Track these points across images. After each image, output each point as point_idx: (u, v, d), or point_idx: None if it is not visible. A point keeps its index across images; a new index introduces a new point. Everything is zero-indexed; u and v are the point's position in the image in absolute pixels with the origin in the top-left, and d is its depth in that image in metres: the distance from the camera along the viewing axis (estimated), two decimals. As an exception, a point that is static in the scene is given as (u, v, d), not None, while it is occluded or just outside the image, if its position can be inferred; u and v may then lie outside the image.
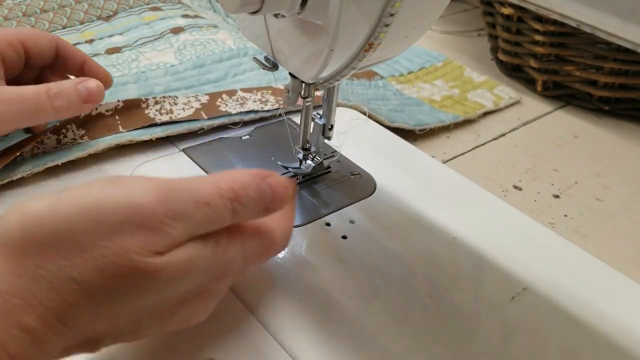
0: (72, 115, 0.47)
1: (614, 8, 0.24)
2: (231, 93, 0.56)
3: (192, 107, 0.53)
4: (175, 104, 0.53)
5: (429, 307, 0.39)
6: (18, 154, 0.45)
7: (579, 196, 0.57)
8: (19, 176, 0.44)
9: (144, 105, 0.52)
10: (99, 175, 0.47)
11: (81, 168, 0.47)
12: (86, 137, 0.49)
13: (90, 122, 0.49)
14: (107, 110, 0.50)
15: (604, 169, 0.62)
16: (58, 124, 0.47)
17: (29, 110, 0.42)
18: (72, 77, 0.50)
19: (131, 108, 0.51)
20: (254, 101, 0.56)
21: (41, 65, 0.49)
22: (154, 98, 0.52)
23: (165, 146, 0.51)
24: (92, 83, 0.45)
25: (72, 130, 0.48)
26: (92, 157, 0.48)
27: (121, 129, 0.49)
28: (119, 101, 0.51)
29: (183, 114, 0.52)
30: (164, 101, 0.53)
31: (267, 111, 0.55)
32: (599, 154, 0.65)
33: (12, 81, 0.47)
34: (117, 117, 0.50)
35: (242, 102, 0.55)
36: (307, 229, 0.44)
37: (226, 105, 0.54)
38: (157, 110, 0.52)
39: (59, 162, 0.46)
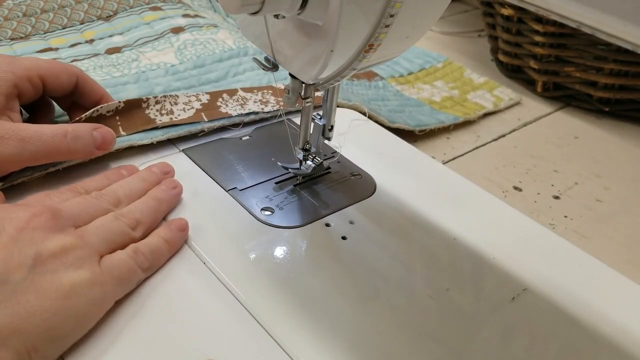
0: (82, 159, 0.47)
1: (614, 9, 0.24)
2: (232, 92, 0.56)
3: (193, 107, 0.53)
4: (176, 103, 0.53)
5: (429, 307, 0.39)
6: None
7: (579, 197, 0.57)
8: (19, 180, 0.44)
9: (144, 105, 0.52)
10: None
11: (81, 169, 0.47)
12: None
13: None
14: (108, 111, 0.50)
15: (604, 170, 0.62)
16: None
17: (43, 151, 0.42)
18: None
19: (132, 108, 0.51)
20: (255, 102, 0.56)
21: (57, 97, 0.50)
22: (155, 98, 0.52)
23: (166, 147, 0.51)
24: (106, 131, 0.46)
25: None
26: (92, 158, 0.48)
27: (122, 131, 0.49)
28: (120, 102, 0.51)
29: (184, 115, 0.52)
30: (164, 101, 0.53)
31: (267, 112, 0.55)
32: (599, 155, 0.65)
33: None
34: (117, 117, 0.50)
35: (242, 102, 0.55)
36: (307, 229, 0.44)
37: (226, 105, 0.54)
38: (157, 111, 0.52)
39: (60, 167, 0.46)
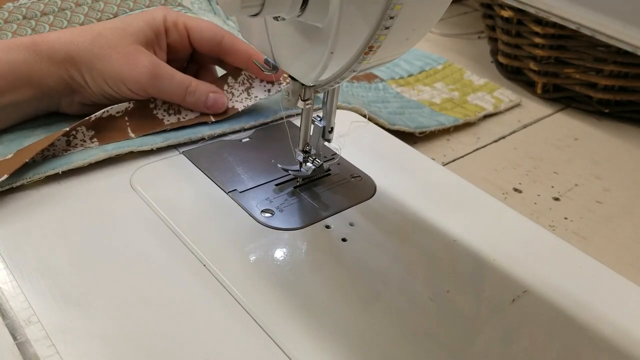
0: (197, 110, 0.53)
1: (614, 10, 0.24)
2: (236, 75, 0.56)
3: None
4: None
5: (429, 309, 0.39)
6: (27, 160, 0.44)
7: (579, 199, 0.57)
8: (19, 183, 0.44)
9: (152, 106, 0.52)
10: (99, 177, 0.47)
11: (81, 172, 0.47)
12: (96, 139, 0.49)
13: (101, 124, 0.50)
14: (117, 112, 0.51)
15: (604, 172, 0.62)
16: (68, 128, 0.48)
17: (165, 93, 0.51)
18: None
19: (140, 109, 0.52)
20: (260, 83, 0.56)
21: (207, 54, 0.56)
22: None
23: (166, 148, 0.51)
24: (220, 97, 0.53)
25: (82, 132, 0.49)
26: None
27: (130, 133, 0.50)
28: (129, 103, 0.51)
29: (191, 115, 0.53)
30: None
31: (268, 117, 0.55)
32: (599, 157, 0.65)
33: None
34: (126, 118, 0.51)
35: (248, 85, 0.55)
36: (306, 231, 0.44)
37: (232, 95, 0.54)
38: (165, 111, 0.52)
39: (60, 170, 0.46)
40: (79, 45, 0.49)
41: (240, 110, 0.54)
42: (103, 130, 0.50)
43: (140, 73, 0.49)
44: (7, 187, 0.44)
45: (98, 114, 0.49)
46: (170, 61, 0.53)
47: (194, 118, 0.52)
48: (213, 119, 0.53)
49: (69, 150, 0.48)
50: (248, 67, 0.55)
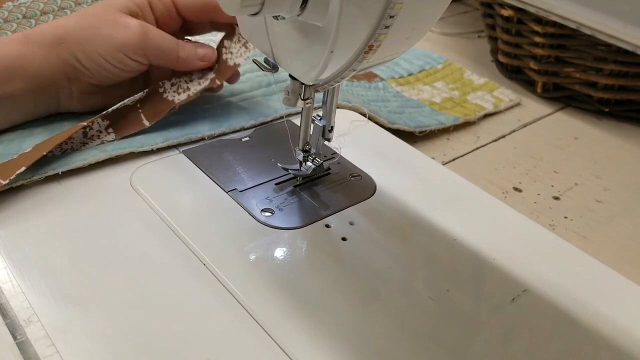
0: (190, 69, 0.53)
1: (614, 10, 0.24)
2: (230, 36, 0.56)
3: (207, 78, 0.54)
4: (191, 80, 0.54)
5: (429, 308, 0.39)
6: (45, 152, 0.45)
7: (579, 198, 0.57)
8: (19, 183, 0.44)
9: (161, 90, 0.53)
10: (99, 176, 0.47)
11: (81, 170, 0.47)
12: (111, 129, 0.50)
13: (115, 115, 0.50)
14: (130, 102, 0.51)
15: (604, 171, 0.62)
16: (85, 123, 0.48)
17: (160, 49, 0.51)
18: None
19: (150, 96, 0.52)
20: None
21: (197, 20, 0.55)
22: (170, 81, 0.53)
23: (166, 148, 0.51)
24: (209, 49, 0.53)
25: (98, 123, 0.49)
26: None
27: (144, 120, 0.51)
28: (142, 93, 0.52)
29: (199, 87, 0.53)
30: (179, 82, 0.53)
31: (268, 116, 0.55)
32: (599, 156, 0.65)
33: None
34: (138, 105, 0.52)
35: (244, 40, 0.55)
36: (306, 230, 0.44)
37: (231, 53, 0.55)
38: (174, 92, 0.53)
39: (59, 170, 0.46)
40: (67, 25, 0.49)
41: (242, 64, 0.54)
42: (118, 120, 0.50)
43: (132, 34, 0.49)
44: (6, 188, 0.44)
45: (114, 107, 0.50)
46: None
47: (202, 88, 0.53)
48: (218, 82, 0.53)
49: (86, 142, 0.49)
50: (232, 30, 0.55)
